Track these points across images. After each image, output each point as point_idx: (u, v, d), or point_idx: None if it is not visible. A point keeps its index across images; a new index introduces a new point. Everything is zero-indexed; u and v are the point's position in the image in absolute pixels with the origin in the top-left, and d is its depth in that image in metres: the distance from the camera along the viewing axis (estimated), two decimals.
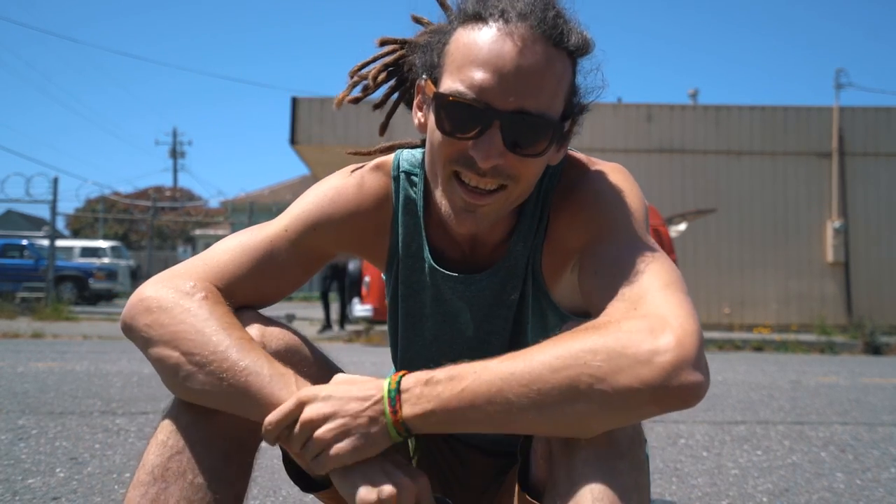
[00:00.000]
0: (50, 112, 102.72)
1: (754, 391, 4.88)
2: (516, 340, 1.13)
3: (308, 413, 0.84)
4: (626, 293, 0.87)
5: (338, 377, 0.90)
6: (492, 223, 1.01)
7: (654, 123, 13.30)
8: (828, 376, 6.09)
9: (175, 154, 41.16)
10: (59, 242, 17.88)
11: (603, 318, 0.85)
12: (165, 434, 0.94)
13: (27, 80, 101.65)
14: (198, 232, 35.76)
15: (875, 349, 9.24)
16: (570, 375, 0.78)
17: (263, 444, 0.97)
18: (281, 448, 1.13)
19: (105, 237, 28.83)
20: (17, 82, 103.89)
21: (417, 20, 1.17)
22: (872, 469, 2.65)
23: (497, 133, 0.92)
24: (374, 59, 1.19)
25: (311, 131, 13.04)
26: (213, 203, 39.52)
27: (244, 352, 0.90)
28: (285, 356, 0.99)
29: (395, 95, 1.21)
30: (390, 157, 1.17)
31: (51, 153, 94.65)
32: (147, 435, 2.88)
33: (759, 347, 9.54)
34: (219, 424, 0.94)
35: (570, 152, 1.12)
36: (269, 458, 2.33)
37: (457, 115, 0.93)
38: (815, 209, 13.13)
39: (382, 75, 1.17)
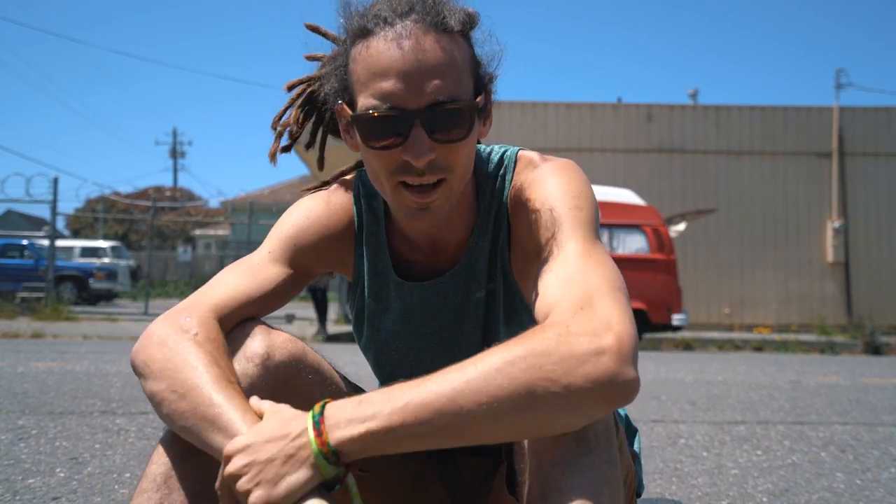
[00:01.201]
0: (50, 112, 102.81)
1: (754, 391, 4.88)
2: (489, 341, 1.14)
3: (228, 469, 0.82)
4: (572, 296, 0.88)
5: (269, 410, 0.87)
6: (446, 214, 1.04)
7: (654, 123, 13.31)
8: (828, 376, 6.09)
9: (175, 154, 41.20)
10: (59, 242, 17.89)
11: (551, 319, 0.86)
12: (168, 443, 0.96)
13: (27, 80, 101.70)
14: (198, 232, 35.79)
15: (875, 349, 9.25)
16: (527, 381, 0.78)
17: None
18: None
19: (105, 237, 28.86)
20: (17, 82, 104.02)
21: (313, 29, 1.20)
22: (872, 469, 2.65)
23: (420, 131, 0.95)
24: (289, 105, 1.24)
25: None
26: (213, 203, 39.56)
27: (219, 388, 0.91)
28: (290, 365, 1.01)
29: (321, 130, 1.26)
30: (353, 177, 1.22)
31: (51, 153, 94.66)
32: (147, 435, 2.89)
33: (759, 347, 9.55)
34: None
35: (523, 151, 1.14)
36: None
37: (378, 128, 0.96)
38: (815, 209, 13.14)
39: (301, 116, 1.23)
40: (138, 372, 0.99)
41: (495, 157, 1.14)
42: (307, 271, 1.15)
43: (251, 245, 15.30)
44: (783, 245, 13.08)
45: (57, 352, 6.37)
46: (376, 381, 1.30)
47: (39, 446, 2.65)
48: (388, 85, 0.94)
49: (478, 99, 1.01)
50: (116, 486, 2.16)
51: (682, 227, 10.68)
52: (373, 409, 0.80)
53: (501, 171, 1.12)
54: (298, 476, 0.79)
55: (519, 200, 1.08)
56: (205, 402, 0.89)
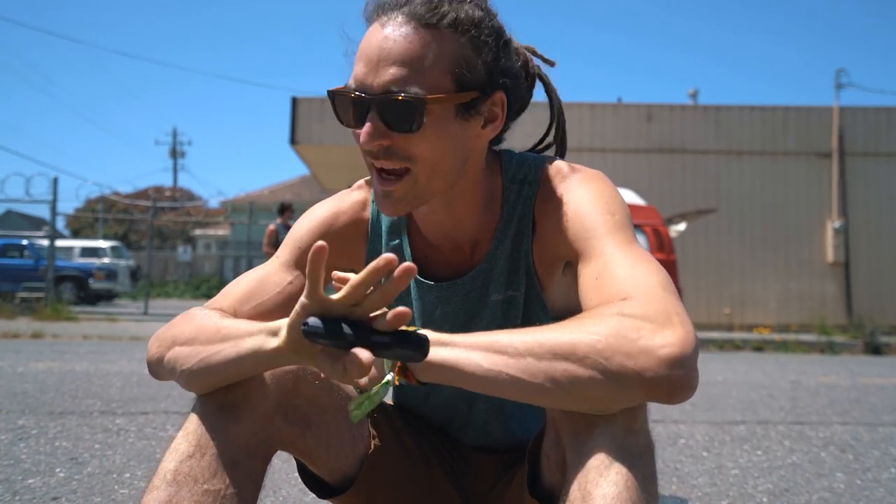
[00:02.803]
0: (50, 112, 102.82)
1: (754, 391, 4.88)
2: None
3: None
4: (629, 291, 0.89)
5: None
6: (412, 207, 1.06)
7: (654, 123, 13.31)
8: (828, 376, 6.09)
9: (175, 154, 41.17)
10: (59, 242, 17.89)
11: (611, 306, 0.87)
12: (178, 441, 0.97)
13: (27, 81, 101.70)
14: (198, 232, 35.78)
15: (875, 349, 9.25)
16: (573, 338, 0.82)
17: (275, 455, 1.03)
18: (295, 458, 1.15)
19: (105, 237, 28.84)
20: (17, 83, 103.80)
21: None
22: (873, 469, 2.65)
23: (374, 115, 0.98)
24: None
25: (311, 131, 13.03)
26: (213, 203, 39.62)
27: (245, 323, 0.98)
28: (296, 372, 1.03)
29: None
30: None
31: (51, 153, 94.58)
32: (147, 435, 2.89)
33: (759, 347, 9.55)
34: (230, 433, 0.96)
35: (551, 159, 1.15)
36: None
37: (342, 108, 1.02)
38: (815, 209, 13.13)
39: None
40: (160, 342, 1.03)
41: (522, 164, 1.14)
42: None
43: (251, 245, 15.30)
44: (783, 245, 13.07)
45: (57, 352, 6.37)
46: None
47: (39, 446, 2.65)
48: (357, 68, 1.00)
49: (443, 96, 0.98)
50: (116, 486, 2.16)
51: (682, 227, 10.67)
52: (458, 349, 0.86)
53: (529, 178, 1.12)
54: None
55: (547, 208, 1.09)
56: (241, 329, 0.95)
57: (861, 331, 9.95)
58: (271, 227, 8.59)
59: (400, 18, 0.99)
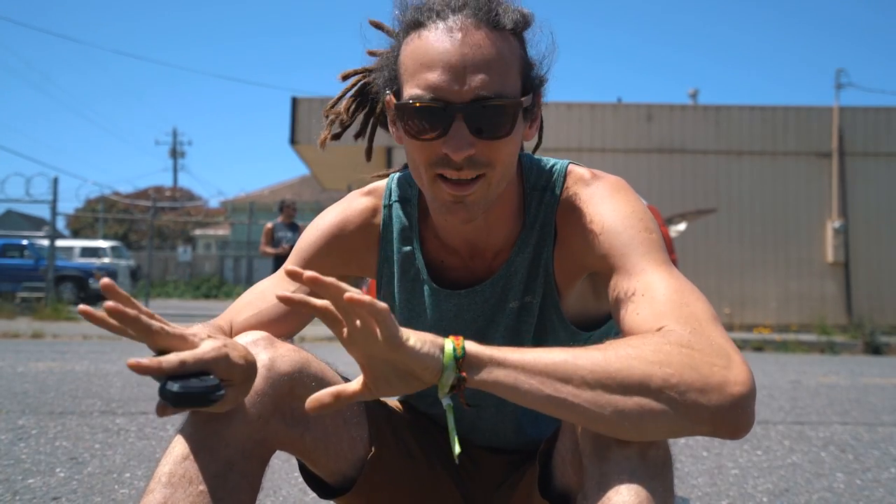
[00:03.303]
0: (50, 112, 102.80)
1: None
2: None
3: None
4: (679, 318, 0.88)
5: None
6: (484, 211, 1.04)
7: (654, 123, 13.30)
8: (828, 376, 6.09)
9: (175, 154, 41.17)
10: (59, 242, 17.88)
11: (670, 335, 0.85)
12: (174, 444, 0.98)
13: (27, 81, 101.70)
14: (198, 232, 35.78)
15: (875, 349, 9.24)
16: (646, 371, 0.80)
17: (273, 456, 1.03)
18: (298, 460, 1.15)
19: (105, 237, 28.83)
20: (17, 82, 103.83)
21: (377, 25, 1.21)
22: (872, 469, 2.65)
23: (462, 125, 0.95)
24: (342, 95, 1.26)
25: (311, 131, 13.02)
26: (213, 203, 39.63)
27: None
28: (293, 375, 1.03)
29: (371, 121, 1.28)
30: (383, 184, 1.24)
31: (51, 153, 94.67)
32: (147, 435, 2.89)
33: (759, 347, 9.54)
34: (223, 435, 0.97)
35: (573, 165, 1.14)
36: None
37: (420, 118, 0.97)
38: (815, 209, 13.13)
39: (353, 106, 1.25)
40: None
41: (544, 170, 1.13)
42: None
43: (251, 245, 15.31)
44: (783, 245, 13.06)
45: (57, 352, 6.36)
46: None
47: (39, 446, 2.65)
48: (433, 76, 0.95)
49: (523, 98, 1.00)
50: (116, 486, 2.16)
51: (682, 227, 10.66)
52: (506, 366, 0.82)
53: (550, 185, 1.11)
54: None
55: (571, 218, 1.08)
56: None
57: (861, 331, 9.95)
58: (268, 225, 8.57)
59: (467, 23, 0.96)
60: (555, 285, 1.11)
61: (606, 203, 1.06)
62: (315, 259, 1.17)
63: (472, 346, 0.83)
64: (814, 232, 13.11)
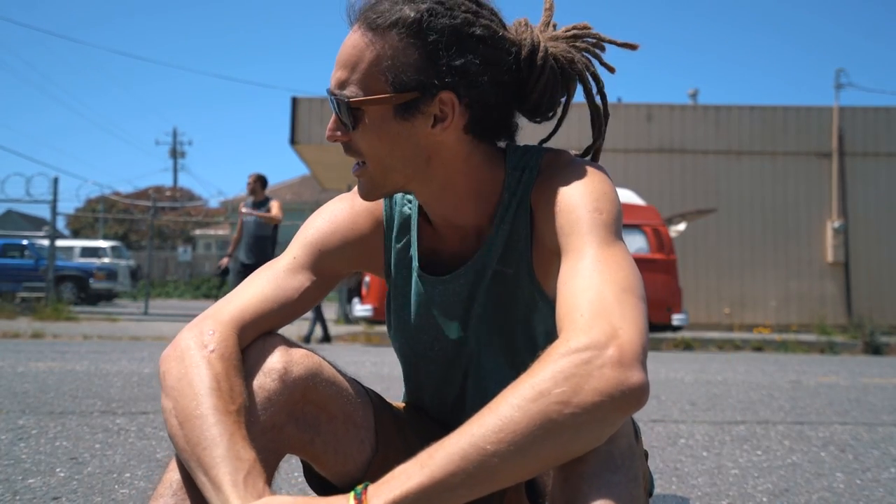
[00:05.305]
0: (50, 112, 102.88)
1: (754, 391, 4.88)
2: (499, 318, 1.15)
3: None
4: (582, 305, 0.89)
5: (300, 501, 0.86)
6: (377, 196, 1.12)
7: (654, 123, 13.32)
8: (828, 376, 6.09)
9: (175, 154, 41.20)
10: (59, 242, 17.89)
11: (557, 341, 0.87)
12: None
13: (28, 81, 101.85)
14: (198, 232, 35.81)
15: (875, 349, 9.25)
16: (540, 410, 0.79)
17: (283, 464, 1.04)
18: (302, 461, 1.16)
19: (105, 237, 28.86)
20: (17, 82, 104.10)
21: None
22: (872, 469, 2.65)
23: (333, 114, 1.07)
24: None
25: (311, 131, 13.05)
26: (213, 203, 39.58)
27: (216, 419, 0.94)
28: (307, 379, 1.04)
29: None
30: None
31: (51, 153, 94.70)
32: (147, 435, 2.89)
33: (759, 347, 9.55)
34: None
35: (551, 149, 1.15)
36: None
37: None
38: (815, 209, 13.14)
39: None
40: (161, 380, 1.03)
41: (526, 153, 1.14)
42: (335, 273, 1.19)
43: None
44: (783, 245, 13.08)
45: (57, 352, 6.37)
46: (384, 383, 1.30)
47: (39, 446, 2.65)
48: None
49: (381, 97, 1.00)
50: (116, 486, 2.16)
51: (682, 227, 10.68)
52: (405, 473, 0.81)
53: (530, 165, 1.12)
54: None
55: (542, 198, 1.08)
56: (200, 439, 0.92)
57: (861, 331, 9.95)
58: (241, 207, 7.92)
59: (357, 23, 1.04)
60: (531, 259, 1.11)
61: (569, 184, 1.05)
62: (329, 251, 1.17)
63: (373, 492, 0.81)
64: (813, 232, 13.12)
